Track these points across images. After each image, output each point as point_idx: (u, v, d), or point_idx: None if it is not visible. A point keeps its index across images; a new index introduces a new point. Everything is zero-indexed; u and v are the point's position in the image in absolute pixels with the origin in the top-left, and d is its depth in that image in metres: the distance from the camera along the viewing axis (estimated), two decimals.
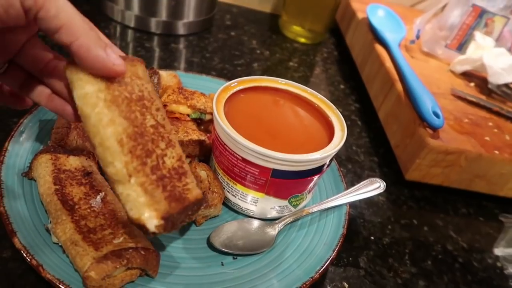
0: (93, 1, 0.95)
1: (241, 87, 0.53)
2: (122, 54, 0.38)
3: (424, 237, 0.62)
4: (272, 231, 0.51)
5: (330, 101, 0.56)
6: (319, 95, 0.56)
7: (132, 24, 0.92)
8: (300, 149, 0.48)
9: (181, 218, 0.39)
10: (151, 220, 0.36)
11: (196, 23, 0.96)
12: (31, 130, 0.53)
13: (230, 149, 0.47)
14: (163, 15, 0.92)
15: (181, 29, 0.95)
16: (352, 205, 0.63)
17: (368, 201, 0.65)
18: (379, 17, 0.94)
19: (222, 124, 0.47)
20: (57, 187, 0.45)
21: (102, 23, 0.89)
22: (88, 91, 0.35)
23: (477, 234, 0.66)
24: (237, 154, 0.47)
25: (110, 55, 0.35)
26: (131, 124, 0.36)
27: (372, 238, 0.59)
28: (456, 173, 0.66)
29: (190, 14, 0.95)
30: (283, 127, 0.51)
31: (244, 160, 0.47)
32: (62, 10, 0.33)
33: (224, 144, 0.48)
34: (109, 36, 0.86)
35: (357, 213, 0.63)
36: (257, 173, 0.47)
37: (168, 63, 0.83)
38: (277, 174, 0.47)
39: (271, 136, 0.49)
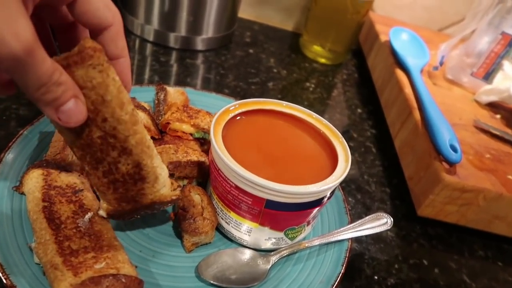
0: None
1: (242, 110, 0.51)
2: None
3: (434, 280, 0.58)
4: (266, 263, 0.48)
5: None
6: (325, 121, 0.54)
7: (151, 38, 0.92)
8: (299, 180, 0.45)
9: (132, 215, 0.45)
10: (101, 210, 0.44)
11: (215, 39, 0.96)
12: (29, 142, 0.52)
13: (224, 175, 0.45)
14: (182, 30, 0.92)
15: (199, 45, 0.95)
16: (358, 239, 0.59)
17: (375, 236, 0.61)
18: (402, 41, 0.91)
19: (217, 148, 0.45)
20: (45, 204, 0.44)
21: None
22: None
23: (494, 281, 0.60)
24: (230, 181, 0.45)
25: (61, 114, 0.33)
26: (77, 136, 0.37)
27: (376, 277, 0.55)
28: (473, 212, 0.61)
29: (209, 30, 0.94)
30: (283, 155, 0.49)
31: (237, 188, 0.45)
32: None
33: (219, 169, 0.46)
34: (128, 49, 0.87)
35: (362, 248, 0.59)
36: (250, 203, 0.45)
37: (181, 79, 0.83)
38: (272, 205, 0.44)
39: (269, 163, 0.47)
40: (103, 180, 0.40)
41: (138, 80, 0.79)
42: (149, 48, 0.90)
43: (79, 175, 0.49)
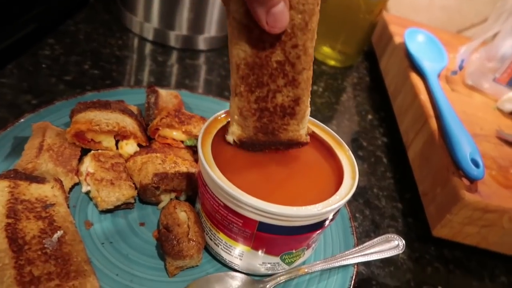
0: (112, 11, 0.92)
1: None
2: None
3: None
4: None
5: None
6: (331, 131, 0.48)
7: (150, 37, 0.87)
8: (298, 199, 0.39)
9: (260, 148, 0.43)
10: (229, 135, 0.42)
11: (217, 38, 0.91)
12: (1, 149, 0.48)
13: (212, 192, 0.40)
14: (183, 28, 0.86)
15: (201, 44, 0.89)
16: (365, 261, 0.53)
17: (385, 259, 0.55)
18: (418, 43, 0.84)
19: (204, 161, 0.39)
20: (9, 220, 0.39)
21: (118, 34, 0.85)
22: (231, 9, 0.35)
23: None
24: (218, 199, 0.39)
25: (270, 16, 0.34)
26: (255, 54, 0.37)
27: None
28: (496, 235, 0.55)
29: (211, 28, 0.89)
30: (280, 170, 0.43)
31: (226, 207, 0.39)
32: None
33: (206, 184, 0.40)
34: (126, 48, 0.83)
35: (369, 272, 0.53)
36: (240, 224, 0.39)
37: (179, 80, 0.78)
38: (265, 228, 0.39)
39: (264, 181, 0.41)
40: (252, 105, 0.40)
41: (134, 81, 0.74)
42: (148, 47, 0.85)
43: (52, 187, 0.44)
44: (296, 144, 0.43)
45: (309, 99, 0.41)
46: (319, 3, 0.35)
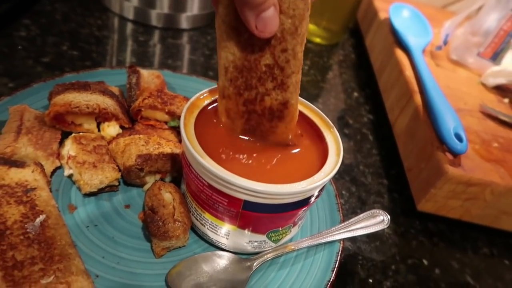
0: None
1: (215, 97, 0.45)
2: None
3: (434, 282, 0.52)
4: (247, 269, 0.43)
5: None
6: (315, 108, 0.47)
7: (131, 16, 0.85)
8: (282, 177, 0.39)
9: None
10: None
11: (200, 16, 0.88)
12: None
13: (196, 172, 0.39)
14: (165, 7, 0.84)
15: (183, 23, 0.87)
16: (351, 237, 0.54)
17: (371, 234, 0.55)
18: (403, 18, 0.84)
19: (187, 141, 0.39)
20: None
21: (97, 13, 0.82)
22: (220, 12, 0.36)
23: (499, 281, 0.55)
24: (202, 179, 0.39)
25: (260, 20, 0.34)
26: (243, 57, 0.37)
27: (371, 281, 0.50)
28: (479, 207, 0.56)
29: (194, 6, 0.87)
30: (264, 149, 0.42)
31: (210, 187, 0.39)
32: None
33: (190, 164, 0.40)
34: (105, 28, 0.80)
35: (355, 248, 0.53)
36: (226, 204, 0.39)
37: (162, 60, 0.76)
38: (250, 206, 0.39)
39: (249, 160, 0.41)
40: (240, 108, 0.40)
41: (115, 62, 0.72)
42: (129, 27, 0.83)
43: (32, 171, 0.43)
44: (284, 145, 0.43)
45: (298, 103, 0.41)
46: (309, 8, 0.35)
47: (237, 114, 0.41)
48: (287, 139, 0.43)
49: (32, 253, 0.36)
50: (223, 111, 0.41)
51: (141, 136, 0.49)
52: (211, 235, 0.44)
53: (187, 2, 0.85)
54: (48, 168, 0.46)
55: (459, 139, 0.55)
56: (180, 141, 0.52)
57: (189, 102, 0.43)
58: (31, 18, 0.74)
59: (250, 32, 0.35)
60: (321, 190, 0.42)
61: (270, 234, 0.43)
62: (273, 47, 0.36)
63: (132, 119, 0.54)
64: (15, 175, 0.41)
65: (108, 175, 0.46)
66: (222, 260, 0.44)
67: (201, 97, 0.44)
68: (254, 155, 0.41)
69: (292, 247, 0.46)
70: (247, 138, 0.42)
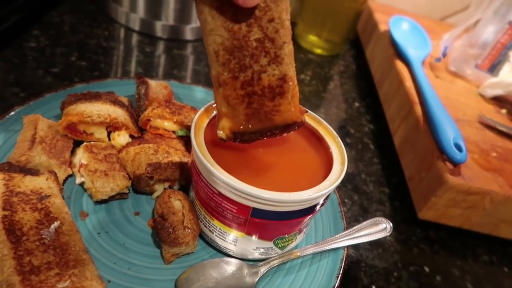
0: (97, 1, 0.91)
1: None
2: None
3: None
4: (254, 275, 0.44)
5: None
6: (320, 119, 0.49)
7: (137, 28, 0.87)
8: (289, 186, 0.40)
9: (256, 137, 0.41)
10: (220, 131, 0.40)
11: None
12: None
13: (206, 180, 0.41)
14: (170, 19, 0.86)
15: (188, 34, 0.89)
16: (354, 244, 0.55)
17: (373, 241, 0.57)
18: (403, 31, 0.86)
19: (197, 149, 0.40)
20: (5, 213, 0.39)
21: (104, 24, 0.84)
22: None
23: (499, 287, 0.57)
24: (212, 187, 0.40)
25: None
26: (232, 37, 0.36)
27: (374, 287, 0.51)
28: (478, 216, 0.57)
29: None
30: (271, 158, 0.44)
31: (220, 195, 0.40)
32: None
33: (200, 173, 0.41)
34: (112, 39, 0.82)
35: (358, 255, 0.55)
36: (234, 211, 0.40)
37: (168, 71, 0.78)
38: (258, 214, 0.40)
39: (257, 168, 0.42)
40: (238, 92, 0.38)
41: (121, 72, 0.74)
42: (134, 38, 0.85)
43: (46, 179, 0.44)
44: (292, 125, 0.41)
45: (296, 77, 0.40)
46: None
47: (237, 99, 0.38)
48: (293, 117, 0.40)
49: (48, 259, 0.37)
50: (222, 101, 0.39)
51: (150, 145, 0.51)
52: (219, 241, 0.45)
53: (192, 14, 0.87)
54: (61, 176, 0.47)
55: (459, 149, 0.56)
56: (188, 150, 0.54)
57: (199, 112, 0.44)
58: (40, 30, 0.76)
59: (234, 7, 0.34)
60: (326, 198, 0.44)
61: (277, 240, 0.44)
62: (259, 19, 0.36)
63: (141, 128, 0.55)
64: (30, 182, 0.43)
65: (119, 183, 0.47)
66: (230, 266, 0.45)
67: (211, 107, 0.46)
68: (263, 162, 0.43)
69: (298, 254, 0.47)
70: (251, 127, 0.40)
